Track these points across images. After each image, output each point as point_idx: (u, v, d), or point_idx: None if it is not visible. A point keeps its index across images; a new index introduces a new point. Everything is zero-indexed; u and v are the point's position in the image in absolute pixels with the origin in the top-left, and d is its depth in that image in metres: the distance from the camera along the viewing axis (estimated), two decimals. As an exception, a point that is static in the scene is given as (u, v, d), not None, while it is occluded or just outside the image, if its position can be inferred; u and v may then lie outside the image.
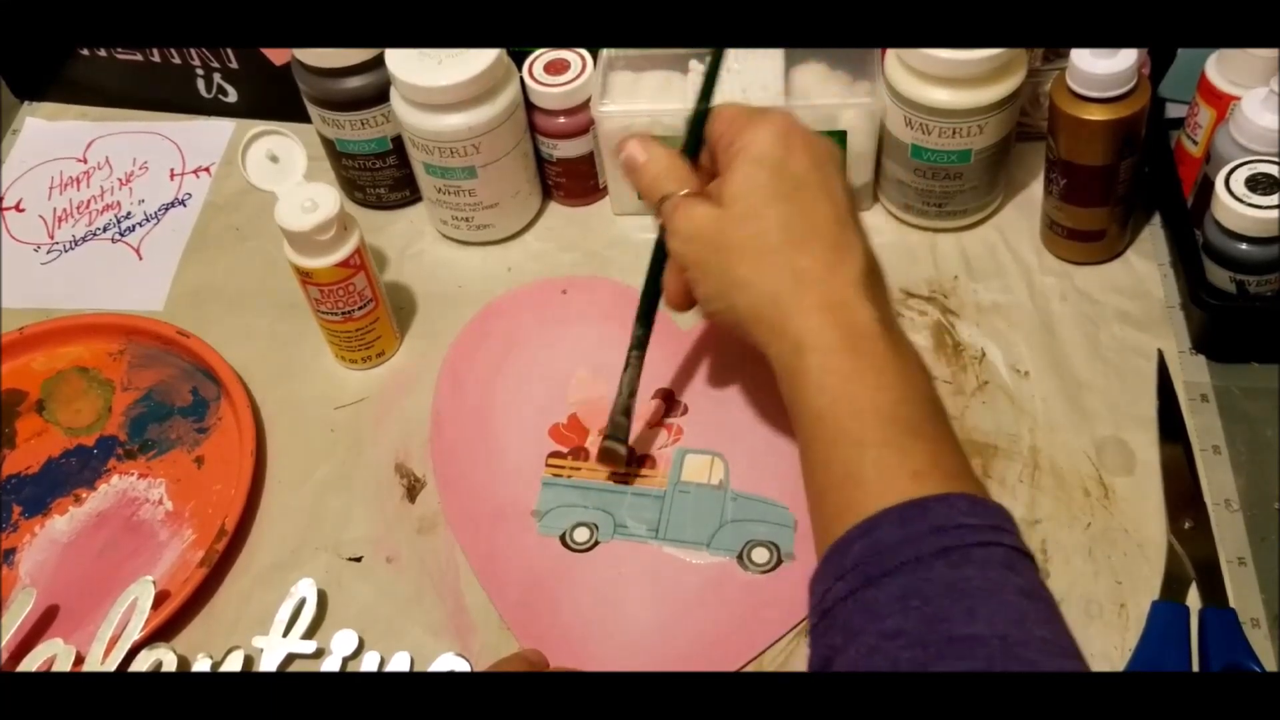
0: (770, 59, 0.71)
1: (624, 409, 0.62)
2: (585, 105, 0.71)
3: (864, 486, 0.46)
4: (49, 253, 0.79)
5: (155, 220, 0.80)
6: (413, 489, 0.65)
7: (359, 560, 0.62)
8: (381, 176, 0.76)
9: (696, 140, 0.58)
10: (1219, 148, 0.64)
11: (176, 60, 0.82)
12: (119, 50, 0.83)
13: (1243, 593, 0.56)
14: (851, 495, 0.46)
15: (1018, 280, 0.70)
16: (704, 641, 0.58)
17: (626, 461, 0.63)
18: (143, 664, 0.57)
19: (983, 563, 0.43)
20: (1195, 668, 0.54)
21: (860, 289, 0.51)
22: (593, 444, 0.65)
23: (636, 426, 0.65)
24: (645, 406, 0.66)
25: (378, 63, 0.70)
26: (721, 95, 0.70)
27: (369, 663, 0.58)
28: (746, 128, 0.54)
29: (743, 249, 0.52)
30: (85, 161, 0.85)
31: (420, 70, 0.67)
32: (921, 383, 0.50)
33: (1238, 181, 0.61)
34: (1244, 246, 0.61)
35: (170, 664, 0.58)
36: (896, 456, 0.46)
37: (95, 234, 0.80)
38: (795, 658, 0.57)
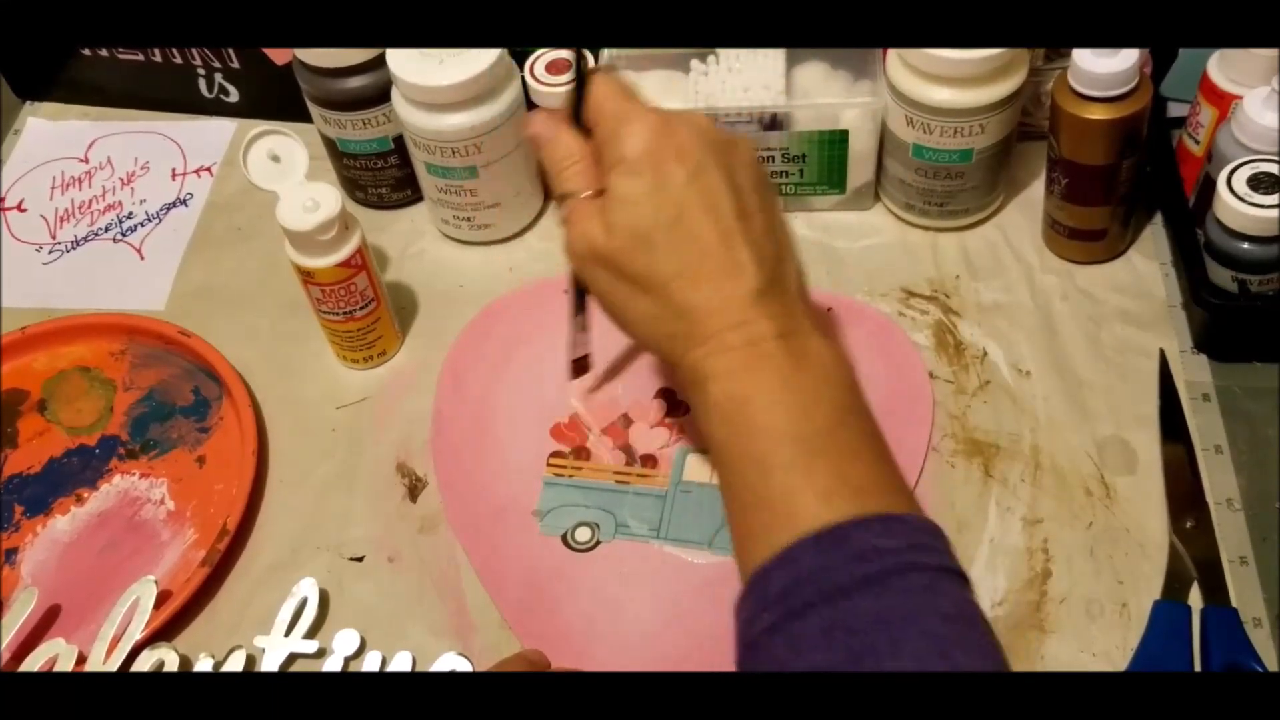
0: (771, 59, 0.71)
1: (576, 340, 0.61)
2: (586, 105, 0.71)
3: (773, 511, 0.45)
4: (51, 252, 0.79)
5: (157, 220, 0.80)
6: (414, 488, 0.65)
7: (360, 560, 0.62)
8: (383, 176, 0.76)
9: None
10: (1221, 147, 0.64)
11: (178, 60, 0.82)
12: (120, 50, 0.83)
13: (1244, 592, 0.56)
14: (764, 520, 0.45)
15: (1019, 279, 0.70)
16: (705, 641, 0.58)
17: (630, 461, 0.64)
18: (145, 664, 0.58)
19: (902, 590, 0.42)
20: (1197, 667, 0.54)
21: (754, 304, 0.48)
22: (594, 443, 0.65)
23: (639, 427, 0.65)
24: (646, 406, 0.66)
25: (379, 62, 0.70)
26: (722, 95, 0.70)
27: (370, 662, 0.58)
28: (617, 131, 0.51)
29: (633, 283, 0.50)
30: (87, 161, 0.85)
31: (422, 70, 0.67)
32: (826, 390, 0.47)
33: (1239, 181, 0.61)
34: (1246, 246, 0.61)
35: (172, 664, 0.58)
36: (801, 478, 0.45)
37: (97, 234, 0.80)
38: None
